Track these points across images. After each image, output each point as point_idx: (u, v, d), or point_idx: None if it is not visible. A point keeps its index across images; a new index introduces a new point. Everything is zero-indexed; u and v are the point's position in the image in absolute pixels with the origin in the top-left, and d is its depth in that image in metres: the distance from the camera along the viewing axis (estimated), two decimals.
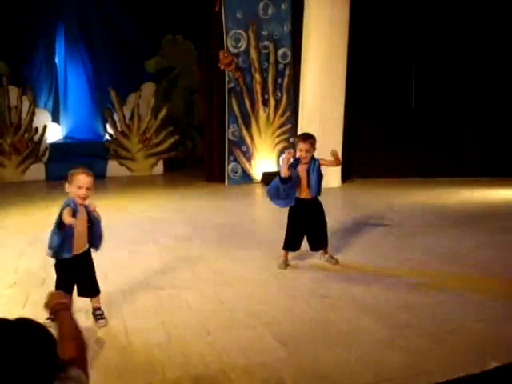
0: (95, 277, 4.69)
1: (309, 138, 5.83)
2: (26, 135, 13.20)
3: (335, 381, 3.64)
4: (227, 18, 11.43)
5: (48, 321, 4.62)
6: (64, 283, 4.66)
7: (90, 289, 4.69)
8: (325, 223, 6.06)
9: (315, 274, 5.88)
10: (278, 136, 11.70)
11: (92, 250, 4.69)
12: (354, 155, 11.41)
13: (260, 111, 11.62)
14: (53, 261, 4.66)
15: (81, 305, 4.90)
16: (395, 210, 8.88)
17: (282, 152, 11.68)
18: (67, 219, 4.21)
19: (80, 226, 4.50)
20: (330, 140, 10.49)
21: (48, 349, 1.88)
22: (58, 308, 2.47)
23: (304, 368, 3.79)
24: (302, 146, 5.81)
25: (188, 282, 5.67)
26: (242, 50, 11.49)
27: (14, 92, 13.27)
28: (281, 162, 6.03)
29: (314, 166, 5.82)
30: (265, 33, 11.51)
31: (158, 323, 4.62)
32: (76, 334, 2.39)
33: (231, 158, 11.66)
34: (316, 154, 5.94)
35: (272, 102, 11.61)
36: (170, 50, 14.91)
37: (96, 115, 15.16)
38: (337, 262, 6.11)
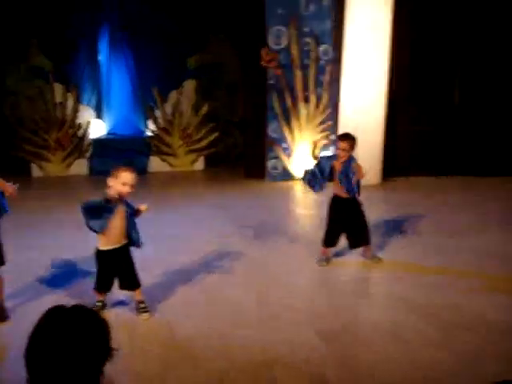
0: (135, 270, 4.78)
1: (347, 138, 5.85)
2: (71, 131, 13.40)
3: (380, 379, 3.64)
4: (268, 15, 11.42)
5: (99, 303, 4.75)
6: (104, 276, 4.76)
7: (131, 282, 4.78)
8: (364, 221, 6.05)
9: (358, 271, 5.88)
10: (318, 133, 11.65)
11: (134, 247, 4.78)
12: (396, 153, 11.30)
13: (301, 108, 11.59)
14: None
15: (123, 298, 4.99)
16: (439, 209, 8.77)
17: (322, 149, 11.68)
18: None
19: (118, 221, 4.59)
20: (370, 137, 10.43)
21: (102, 333, 1.96)
22: None
23: (348, 365, 3.81)
24: (340, 144, 5.84)
25: (230, 277, 5.73)
26: (283, 46, 11.46)
27: (59, 89, 13.49)
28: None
29: (349, 166, 5.81)
30: (306, 29, 11.46)
31: (202, 317, 4.69)
32: None
33: (271, 155, 11.66)
34: (356, 151, 5.94)
35: (313, 99, 11.57)
36: (212, 47, 14.96)
37: (138, 112, 15.31)
38: (380, 260, 6.09)
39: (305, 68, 11.52)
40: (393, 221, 7.91)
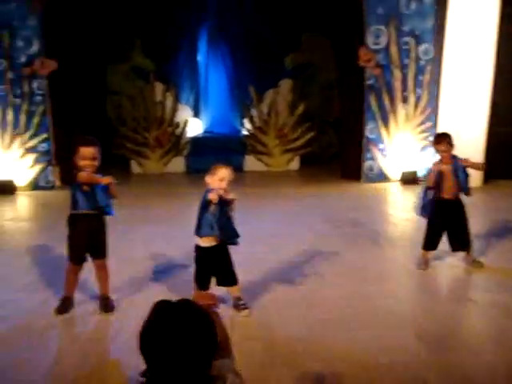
0: (233, 267, 4.81)
1: (444, 139, 5.69)
2: (169, 129, 13.74)
3: None
4: (368, 14, 11.28)
5: None
6: (203, 273, 4.83)
7: (229, 279, 4.82)
8: (467, 223, 5.87)
9: (458, 276, 5.72)
10: (417, 134, 11.42)
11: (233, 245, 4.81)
12: (498, 155, 10.90)
13: (399, 108, 11.39)
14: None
15: (221, 295, 5.05)
16: None
17: (421, 150, 11.44)
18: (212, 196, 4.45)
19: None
20: (471, 140, 10.14)
21: (209, 327, 2.01)
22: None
23: (449, 372, 3.71)
24: (438, 147, 5.69)
25: (327, 277, 5.70)
26: (382, 46, 11.29)
27: (159, 88, 13.86)
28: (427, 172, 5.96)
29: (456, 165, 5.66)
30: (406, 28, 11.24)
31: (299, 317, 4.69)
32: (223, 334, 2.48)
33: (368, 156, 11.52)
34: (457, 152, 5.78)
35: (412, 99, 11.35)
36: (308, 46, 14.96)
37: (235, 111, 15.53)
38: (481, 265, 5.89)
39: (404, 68, 11.32)
40: (495, 224, 7.64)
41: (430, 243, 5.92)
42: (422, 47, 11.22)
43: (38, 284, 5.66)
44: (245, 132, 14.37)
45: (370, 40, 11.28)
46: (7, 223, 8.76)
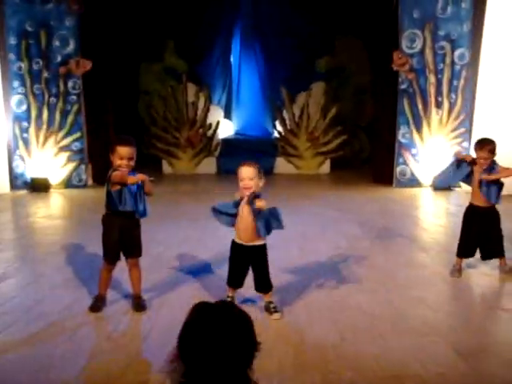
0: (267, 273, 4.81)
1: (487, 145, 5.55)
2: (201, 130, 13.78)
3: None
4: (403, 18, 11.19)
5: (228, 299, 4.82)
6: (235, 271, 4.84)
7: (264, 285, 4.82)
8: (500, 231, 5.78)
9: (492, 284, 5.64)
10: (450, 140, 11.30)
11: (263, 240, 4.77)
12: None
13: (433, 114, 11.27)
14: (226, 251, 4.87)
15: (252, 296, 5.05)
16: None
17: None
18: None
19: (244, 217, 4.64)
20: (506, 147, 9.96)
21: (248, 329, 2.03)
22: None
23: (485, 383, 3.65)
24: (480, 154, 5.57)
25: (359, 283, 5.66)
26: (416, 50, 11.20)
27: (191, 89, 13.90)
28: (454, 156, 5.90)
29: (491, 172, 5.56)
30: (441, 33, 11.13)
31: (331, 322, 4.66)
32: None
33: (400, 161, 11.43)
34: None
35: (446, 105, 11.22)
36: (342, 49, 14.90)
37: (266, 113, 15.53)
38: None
39: (438, 73, 11.21)
40: None
41: (465, 250, 5.84)
42: (458, 52, 11.10)
43: (72, 282, 5.71)
44: (276, 134, 14.35)
45: (404, 44, 11.21)
46: (41, 220, 8.87)
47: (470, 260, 5.97)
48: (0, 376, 3.80)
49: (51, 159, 11.50)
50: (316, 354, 4.09)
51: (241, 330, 1.99)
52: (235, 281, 4.87)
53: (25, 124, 11.34)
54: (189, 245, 7.13)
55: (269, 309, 4.81)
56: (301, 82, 14.20)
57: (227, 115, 15.81)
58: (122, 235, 4.81)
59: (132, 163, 4.67)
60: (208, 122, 13.92)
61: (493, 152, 5.54)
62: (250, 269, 4.84)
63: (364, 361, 3.98)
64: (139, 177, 4.63)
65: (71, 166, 11.62)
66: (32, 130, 11.37)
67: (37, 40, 11.14)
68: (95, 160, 11.70)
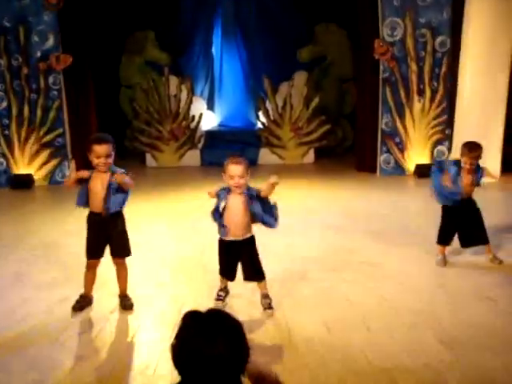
0: (259, 262, 4.76)
1: (476, 150, 5.61)
2: (184, 123, 13.69)
3: None
4: (384, 6, 11.19)
5: (219, 302, 4.80)
6: (225, 265, 4.82)
7: (255, 274, 4.79)
8: (480, 218, 5.83)
9: (477, 273, 5.66)
10: (432, 127, 11.33)
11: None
12: None
13: (415, 101, 11.30)
14: (212, 246, 4.86)
15: (241, 290, 5.04)
16: None
17: (436, 144, 11.35)
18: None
19: (235, 210, 4.62)
20: (488, 133, 10.03)
21: (240, 336, 2.05)
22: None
23: (470, 373, 3.68)
24: (468, 158, 5.59)
25: (346, 275, 5.67)
26: (397, 38, 11.19)
27: (173, 81, 13.78)
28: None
29: (477, 175, 5.71)
30: (422, 20, 11.12)
31: (318, 316, 4.67)
32: None
33: (384, 149, 11.46)
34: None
35: (428, 93, 11.23)
36: (323, 38, 14.83)
37: (249, 104, 15.47)
38: (500, 262, 5.85)
39: (420, 60, 11.22)
40: None
41: (444, 237, 5.90)
42: (439, 39, 11.11)
43: (56, 282, 5.68)
44: (259, 125, 14.30)
45: (385, 32, 11.21)
46: (24, 218, 8.78)
47: (457, 249, 6.00)
48: None
49: (33, 156, 11.41)
50: (304, 349, 4.10)
51: (233, 337, 2.01)
52: (228, 274, 4.85)
53: (6, 121, 11.25)
54: (174, 241, 7.12)
55: (262, 303, 4.76)
56: (283, 72, 14.13)
57: (210, 107, 15.72)
58: (101, 233, 4.81)
59: (110, 160, 4.65)
60: (191, 114, 13.82)
61: (480, 156, 5.64)
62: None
63: (352, 354, 4.00)
64: (117, 177, 4.62)
65: (54, 162, 11.53)
66: (13, 127, 11.27)
67: (15, 36, 11.02)
68: (78, 155, 11.60)
